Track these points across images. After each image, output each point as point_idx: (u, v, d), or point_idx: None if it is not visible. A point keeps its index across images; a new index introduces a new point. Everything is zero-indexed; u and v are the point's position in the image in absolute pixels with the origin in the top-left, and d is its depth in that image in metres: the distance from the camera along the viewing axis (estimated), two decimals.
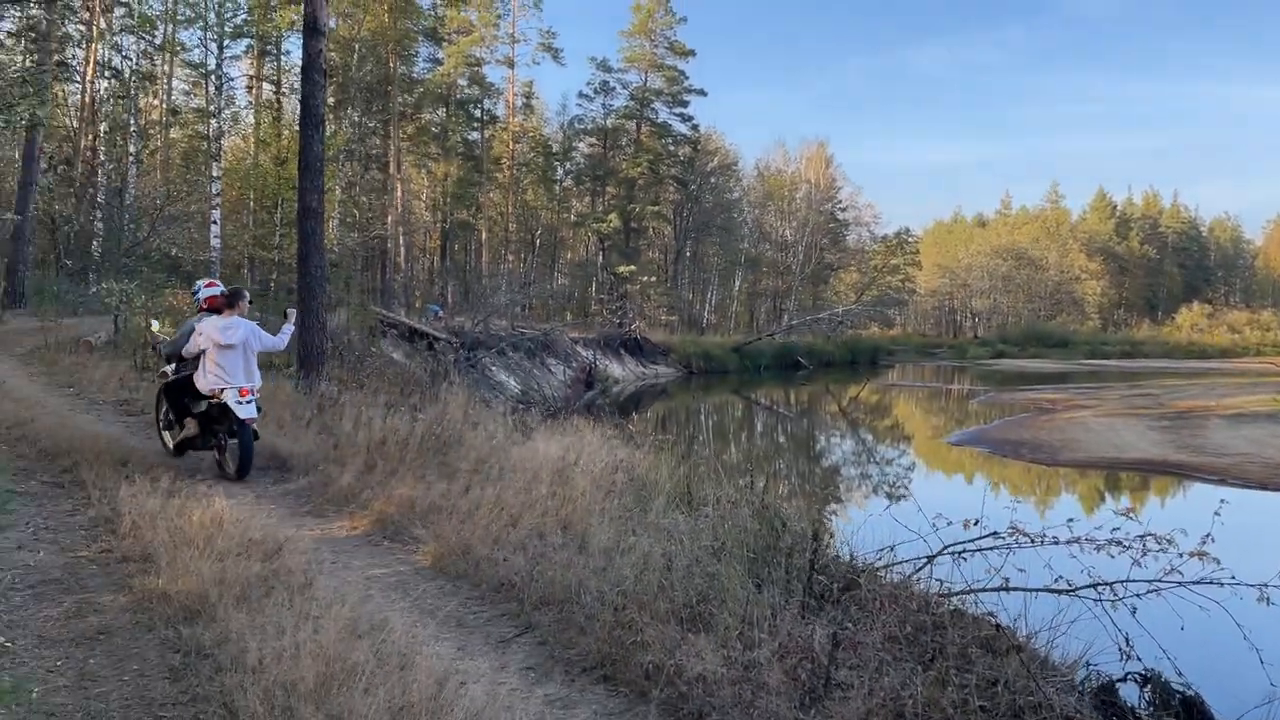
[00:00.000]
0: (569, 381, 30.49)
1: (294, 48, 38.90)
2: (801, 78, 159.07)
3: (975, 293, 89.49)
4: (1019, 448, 19.19)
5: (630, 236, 54.83)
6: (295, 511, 7.61)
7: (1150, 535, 4.58)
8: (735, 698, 4.03)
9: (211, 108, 35.17)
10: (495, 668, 4.55)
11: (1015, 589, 4.74)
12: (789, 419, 30.37)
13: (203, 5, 34.87)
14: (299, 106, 13.78)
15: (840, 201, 70.30)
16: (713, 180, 62.37)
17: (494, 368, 26.47)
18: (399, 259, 45.45)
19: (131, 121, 32.67)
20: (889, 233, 74.80)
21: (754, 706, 3.95)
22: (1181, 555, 4.43)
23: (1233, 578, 4.29)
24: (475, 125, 52.00)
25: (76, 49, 29.71)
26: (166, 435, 9.41)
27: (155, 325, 11.27)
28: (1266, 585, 4.25)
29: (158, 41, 36.10)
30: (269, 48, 38.75)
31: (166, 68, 37.02)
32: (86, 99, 31.42)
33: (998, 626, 4.58)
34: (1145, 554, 4.55)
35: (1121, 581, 4.58)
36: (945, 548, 5.09)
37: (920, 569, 5.22)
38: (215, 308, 9.00)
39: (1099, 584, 4.63)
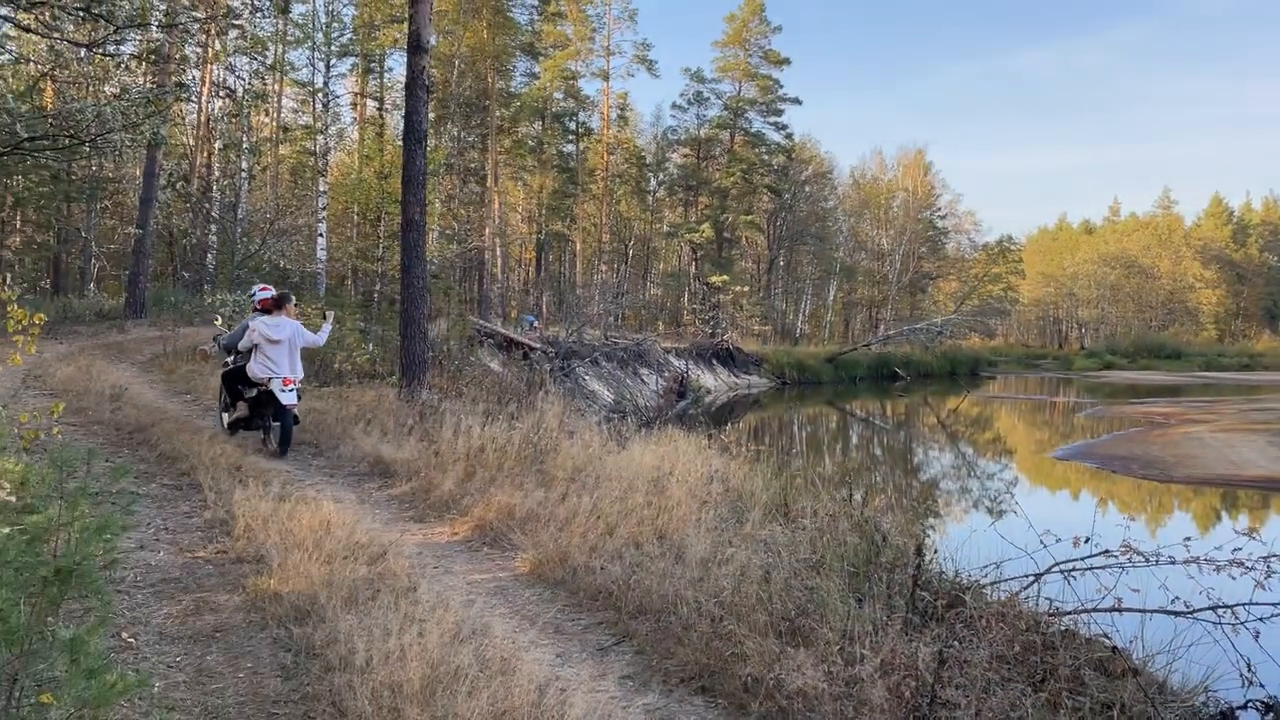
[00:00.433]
0: (661, 391, 30.50)
1: (396, 65, 40.13)
2: (899, 85, 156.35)
3: (1082, 302, 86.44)
4: (1130, 463, 18.43)
5: (723, 246, 54.69)
6: (398, 516, 7.81)
7: (1275, 556, 4.36)
8: (837, 714, 3.98)
9: (319, 124, 36.53)
10: (594, 676, 4.58)
11: (1130, 609, 4.57)
12: (886, 431, 29.80)
13: (311, 26, 36.23)
14: (402, 122, 14.18)
15: (939, 209, 69.02)
16: (807, 189, 61.72)
17: (587, 377, 26.66)
18: (495, 270, 46.22)
19: (244, 139, 34.10)
20: (990, 240, 72.70)
21: None
22: None
23: None
24: (570, 138, 52.72)
25: (194, 70, 31.11)
26: (224, 416, 10.63)
27: (218, 321, 13.28)
28: None
29: (269, 62, 37.66)
30: (372, 65, 40.05)
31: (277, 87, 38.50)
32: (202, 117, 32.89)
33: (1114, 648, 4.42)
34: (1269, 575, 4.34)
35: (1244, 604, 4.38)
36: (1054, 565, 4.94)
37: (1028, 586, 5.08)
38: (266, 308, 10.25)
39: (1219, 606, 4.44)
